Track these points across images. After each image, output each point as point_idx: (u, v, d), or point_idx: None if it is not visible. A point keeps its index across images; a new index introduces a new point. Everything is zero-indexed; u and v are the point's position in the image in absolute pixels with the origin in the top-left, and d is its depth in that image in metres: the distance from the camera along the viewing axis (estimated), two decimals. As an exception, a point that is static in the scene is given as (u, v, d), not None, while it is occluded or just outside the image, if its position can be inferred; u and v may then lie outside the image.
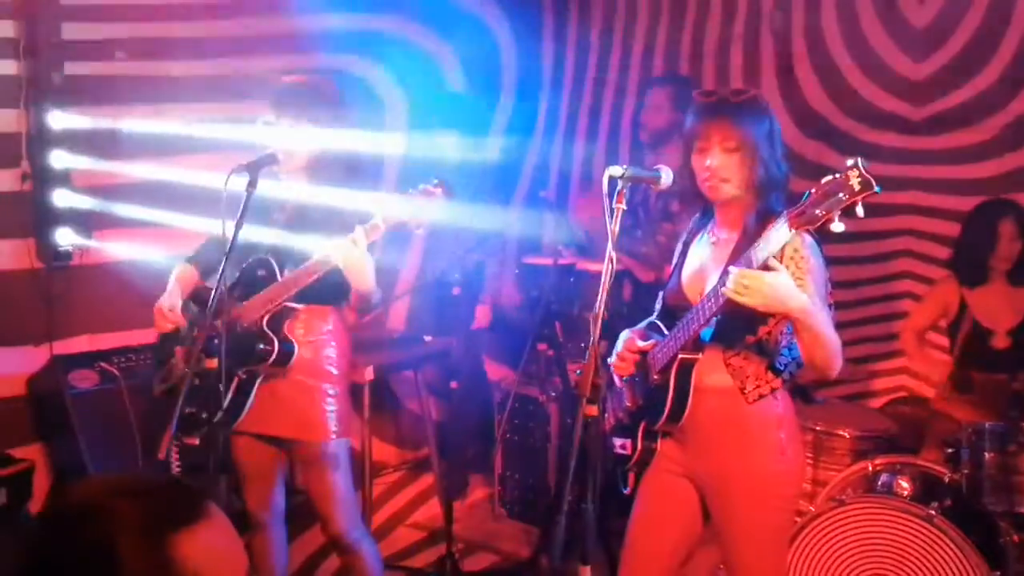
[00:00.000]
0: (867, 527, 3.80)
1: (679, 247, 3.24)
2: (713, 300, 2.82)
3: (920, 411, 4.98)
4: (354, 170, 3.54)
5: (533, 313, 4.85)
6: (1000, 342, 4.66)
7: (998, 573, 3.69)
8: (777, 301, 2.67)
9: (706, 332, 2.95)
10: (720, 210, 3.07)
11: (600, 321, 2.78)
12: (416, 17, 5.93)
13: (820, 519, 3.85)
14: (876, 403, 5.56)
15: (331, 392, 3.55)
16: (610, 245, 2.80)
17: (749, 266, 2.70)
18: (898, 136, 5.52)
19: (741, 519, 3.02)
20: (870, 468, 4.12)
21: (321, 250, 3.31)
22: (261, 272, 3.45)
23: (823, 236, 2.73)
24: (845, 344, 5.67)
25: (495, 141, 6.14)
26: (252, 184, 3.33)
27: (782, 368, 2.98)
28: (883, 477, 4.01)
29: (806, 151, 5.44)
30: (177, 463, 4.52)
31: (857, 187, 2.53)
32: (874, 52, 5.57)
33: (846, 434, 4.40)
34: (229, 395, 3.40)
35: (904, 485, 3.92)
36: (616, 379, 3.20)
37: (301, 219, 3.49)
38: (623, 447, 3.15)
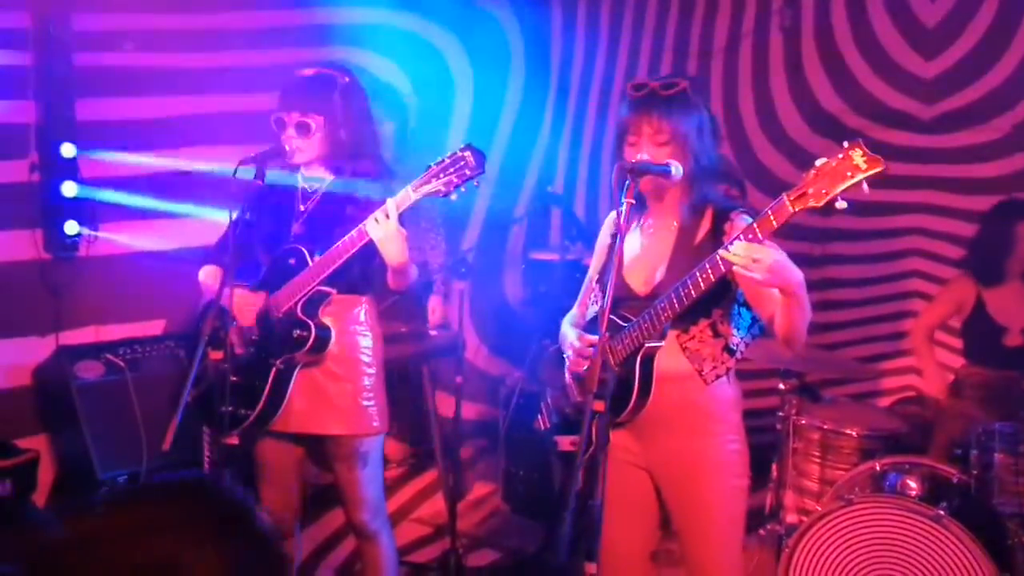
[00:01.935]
0: (875, 527, 3.77)
1: (605, 239, 3.25)
2: (692, 285, 2.80)
3: (929, 410, 4.95)
4: (369, 153, 3.52)
5: (539, 309, 4.83)
6: (1013, 340, 4.63)
7: (1007, 574, 3.66)
8: (783, 275, 2.69)
9: None
10: (652, 202, 3.08)
11: (607, 317, 2.76)
12: (426, 12, 5.93)
13: (827, 518, 3.83)
14: (885, 402, 5.55)
15: (368, 384, 3.51)
16: (619, 240, 2.79)
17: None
18: (908, 134, 5.51)
19: (701, 503, 3.02)
20: (877, 467, 4.09)
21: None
22: (292, 260, 3.42)
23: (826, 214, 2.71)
24: (855, 342, 5.75)
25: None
26: (259, 176, 3.33)
27: (735, 348, 3.01)
28: (891, 477, 3.98)
29: (815, 149, 5.41)
30: (208, 456, 4.47)
31: (863, 164, 2.51)
32: (884, 50, 5.56)
33: (853, 433, 4.37)
34: (267, 388, 3.39)
35: (912, 485, 3.89)
36: (567, 375, 3.18)
37: (328, 206, 3.47)
38: (572, 444, 3.12)
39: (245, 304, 3.45)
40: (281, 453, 3.61)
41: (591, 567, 2.74)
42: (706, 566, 3.07)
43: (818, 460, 4.39)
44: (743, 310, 2.98)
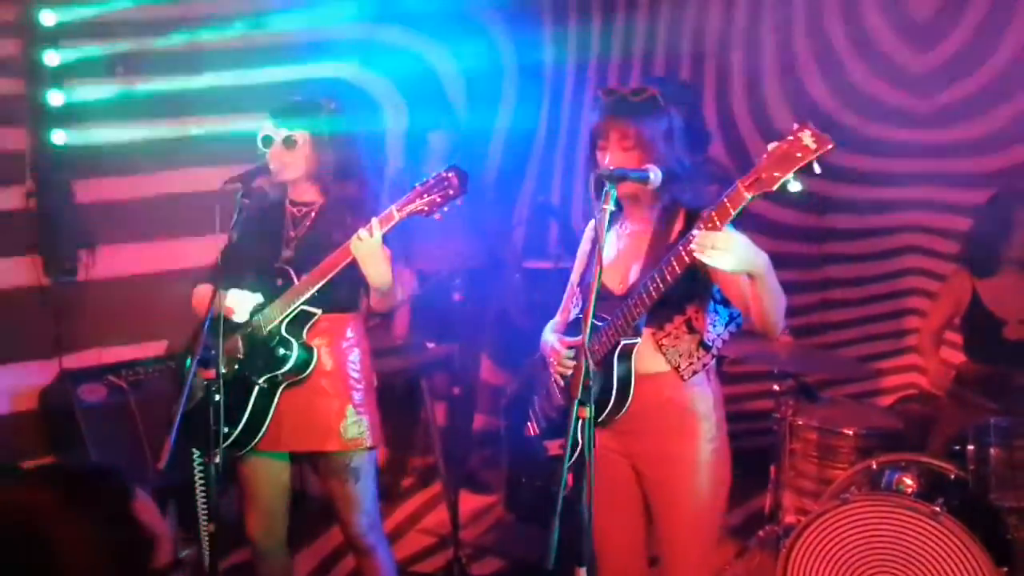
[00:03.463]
0: (872, 525, 3.75)
1: (585, 244, 3.30)
2: (659, 279, 2.84)
3: (930, 408, 4.93)
4: (356, 177, 3.54)
5: (535, 317, 4.82)
6: (1012, 332, 4.59)
7: (1005, 570, 3.63)
8: (746, 258, 2.72)
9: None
10: (627, 205, 3.13)
11: (590, 322, 2.78)
12: (418, 27, 5.96)
13: (824, 517, 3.81)
14: (886, 401, 5.52)
15: (357, 399, 3.54)
16: (599, 246, 2.80)
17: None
18: (903, 130, 5.49)
19: (681, 501, 3.05)
20: (874, 466, 4.06)
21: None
22: (279, 281, 3.45)
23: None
24: (854, 342, 5.73)
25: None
26: (246, 195, 3.36)
27: (711, 344, 3.03)
28: (887, 474, 3.96)
29: (811, 147, 5.40)
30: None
31: (813, 145, 2.55)
32: (877, 45, 5.55)
33: (850, 432, 4.35)
34: (248, 407, 3.42)
35: (908, 482, 3.88)
36: (557, 380, 3.21)
37: (318, 232, 3.49)
38: (561, 447, 3.14)
39: (239, 301, 3.44)
40: (269, 476, 3.62)
41: (581, 572, 2.76)
42: (673, 561, 3.11)
43: (816, 460, 4.38)
44: (719, 307, 3.02)
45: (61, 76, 4.79)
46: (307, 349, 3.45)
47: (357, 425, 3.54)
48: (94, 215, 4.95)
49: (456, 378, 4.53)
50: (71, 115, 4.83)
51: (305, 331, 3.45)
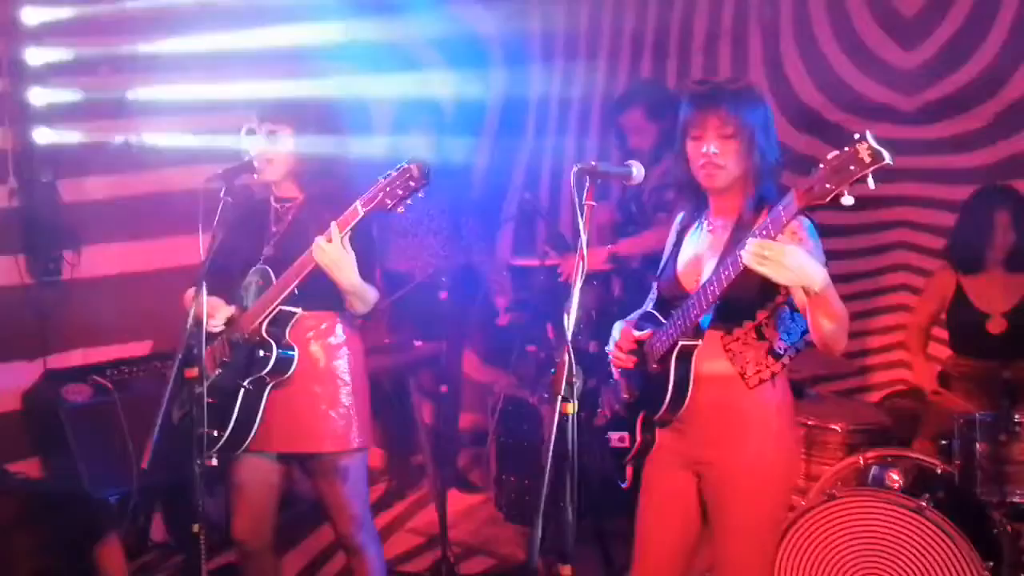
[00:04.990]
0: (858, 521, 3.75)
1: (672, 237, 3.22)
2: (716, 282, 2.81)
3: (919, 404, 4.92)
4: (339, 173, 3.52)
5: (521, 314, 4.83)
6: (995, 326, 4.60)
7: (991, 564, 3.63)
8: (798, 272, 2.63)
9: (705, 319, 2.93)
10: (715, 199, 3.06)
11: (573, 318, 2.76)
12: (405, 25, 5.93)
13: (811, 513, 3.81)
14: (874, 397, 5.52)
15: (346, 401, 3.53)
16: (581, 242, 2.79)
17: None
18: (890, 127, 5.45)
19: (738, 508, 2.99)
20: (862, 462, 4.07)
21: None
22: (260, 282, 3.44)
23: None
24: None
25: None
26: (228, 192, 3.34)
27: (782, 352, 2.96)
28: (874, 470, 3.96)
29: (797, 145, 5.40)
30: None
31: (868, 159, 2.50)
32: (863, 42, 5.54)
33: (838, 428, 4.34)
34: (236, 409, 3.40)
35: (895, 478, 3.88)
36: (614, 372, 3.18)
37: (298, 228, 3.48)
38: (621, 440, 3.14)
39: (214, 307, 3.43)
40: (258, 476, 3.61)
41: (565, 569, 2.74)
42: (729, 571, 3.05)
43: (804, 456, 4.36)
44: (796, 315, 2.92)
45: (44, 75, 4.76)
46: (288, 349, 3.42)
47: (347, 425, 3.52)
48: (78, 214, 4.93)
49: (443, 376, 4.51)
50: (54, 114, 4.80)
51: (287, 331, 3.43)
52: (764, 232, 2.67)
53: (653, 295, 3.22)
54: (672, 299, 3.05)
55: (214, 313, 3.43)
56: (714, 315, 2.93)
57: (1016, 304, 4.57)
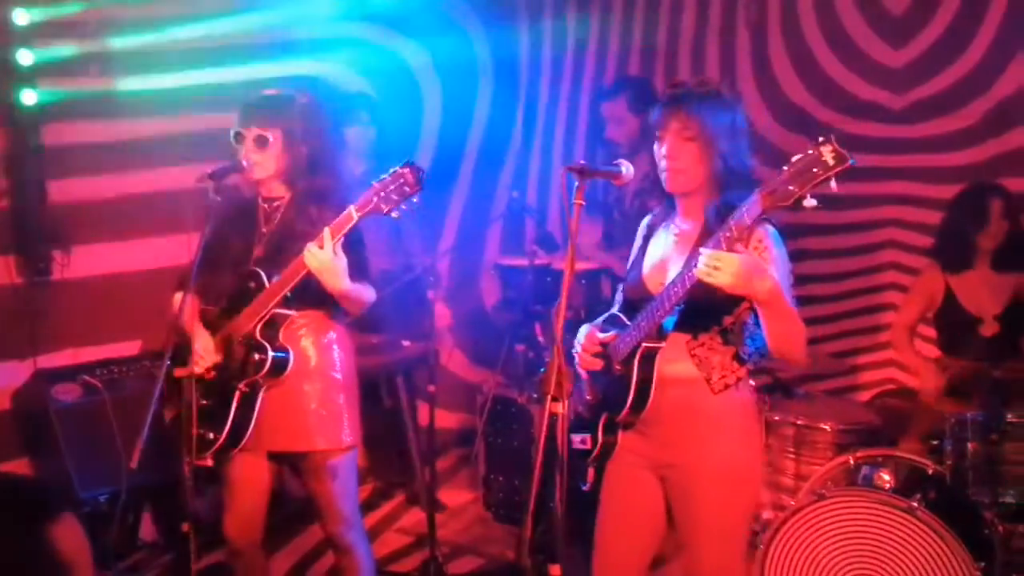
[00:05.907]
0: (848, 521, 3.75)
1: (638, 240, 3.22)
2: (679, 285, 2.82)
3: (909, 403, 4.93)
4: (327, 171, 3.51)
5: (511, 314, 4.83)
6: (988, 330, 4.62)
7: (983, 564, 3.62)
8: (747, 282, 2.66)
9: (669, 321, 2.95)
10: (681, 202, 3.07)
11: (563, 318, 2.77)
12: (394, 25, 5.93)
13: (800, 514, 3.81)
14: (865, 396, 5.53)
15: (339, 400, 3.53)
16: (571, 242, 2.80)
17: (719, 248, 2.69)
18: (879, 125, 5.49)
19: (705, 512, 3.00)
20: (851, 461, 4.06)
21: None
22: (251, 284, 3.42)
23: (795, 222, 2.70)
24: (831, 337, 5.73)
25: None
26: (217, 192, 3.33)
27: (746, 358, 2.98)
28: (864, 470, 3.96)
29: (785, 144, 5.38)
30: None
31: (831, 161, 2.52)
32: (852, 41, 5.56)
33: (828, 428, 4.34)
34: (231, 412, 3.39)
35: (885, 478, 3.88)
36: (581, 373, 3.19)
37: (287, 228, 3.47)
38: (583, 442, 3.13)
39: (202, 349, 3.44)
40: (249, 474, 3.60)
41: (555, 568, 2.75)
42: (697, 572, 3.06)
43: (793, 456, 4.37)
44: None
45: (34, 75, 4.74)
46: (283, 351, 3.42)
47: (338, 423, 3.53)
48: (68, 214, 4.91)
49: (432, 376, 4.50)
50: (44, 114, 4.78)
51: (280, 333, 3.43)
52: (727, 234, 2.69)
53: (619, 298, 3.23)
54: (637, 301, 3.05)
55: (204, 357, 3.44)
56: (680, 320, 2.94)
57: (1006, 306, 4.58)
